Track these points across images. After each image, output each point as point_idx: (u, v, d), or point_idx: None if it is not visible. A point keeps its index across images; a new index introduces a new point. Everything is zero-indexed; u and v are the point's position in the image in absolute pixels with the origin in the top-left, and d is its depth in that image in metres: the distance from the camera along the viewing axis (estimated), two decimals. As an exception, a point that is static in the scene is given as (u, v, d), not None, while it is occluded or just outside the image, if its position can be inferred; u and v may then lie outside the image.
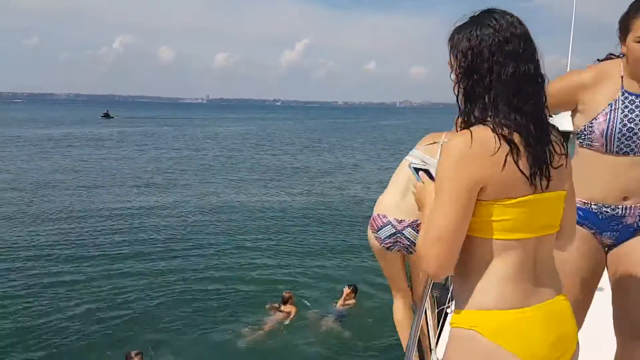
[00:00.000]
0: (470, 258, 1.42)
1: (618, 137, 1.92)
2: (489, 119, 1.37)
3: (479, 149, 1.33)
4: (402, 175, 3.03)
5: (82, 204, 16.71)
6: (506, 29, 1.38)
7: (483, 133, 1.35)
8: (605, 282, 2.17)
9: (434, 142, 3.00)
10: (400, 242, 2.98)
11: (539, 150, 1.38)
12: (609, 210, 2.01)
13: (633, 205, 1.99)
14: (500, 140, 1.33)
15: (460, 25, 1.43)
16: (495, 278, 1.39)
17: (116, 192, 18.86)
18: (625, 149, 1.93)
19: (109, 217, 14.92)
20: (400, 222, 2.96)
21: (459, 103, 1.44)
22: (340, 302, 8.91)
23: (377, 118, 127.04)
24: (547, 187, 1.40)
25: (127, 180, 21.79)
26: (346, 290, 9.03)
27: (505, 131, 1.34)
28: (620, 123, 1.92)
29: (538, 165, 1.38)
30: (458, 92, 1.43)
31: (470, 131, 1.35)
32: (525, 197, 1.37)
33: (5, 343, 7.62)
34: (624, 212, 2.00)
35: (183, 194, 18.82)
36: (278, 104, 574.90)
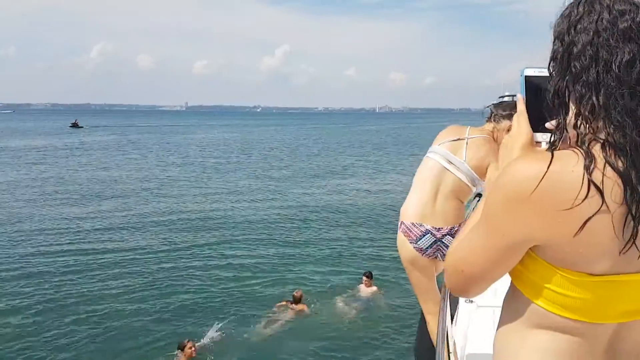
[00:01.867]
0: (515, 315, 0.98)
1: None
2: (588, 137, 0.88)
3: (547, 195, 0.84)
4: (427, 177, 2.84)
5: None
6: None
7: (566, 168, 0.85)
8: None
9: (458, 139, 2.83)
10: (440, 250, 2.83)
11: None
12: None
13: None
14: (589, 188, 0.83)
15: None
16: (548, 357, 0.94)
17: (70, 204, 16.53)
18: None
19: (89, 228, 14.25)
20: (438, 230, 2.81)
21: (562, 114, 0.94)
22: (363, 290, 9.26)
23: (358, 123, 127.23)
24: None
25: (75, 191, 20.19)
26: (365, 279, 9.35)
27: (607, 169, 0.85)
28: None
29: None
30: (552, 94, 0.94)
31: (550, 159, 0.86)
32: (610, 277, 0.88)
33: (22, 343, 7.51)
34: None
35: (173, 202, 18.18)
36: (258, 110, 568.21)
